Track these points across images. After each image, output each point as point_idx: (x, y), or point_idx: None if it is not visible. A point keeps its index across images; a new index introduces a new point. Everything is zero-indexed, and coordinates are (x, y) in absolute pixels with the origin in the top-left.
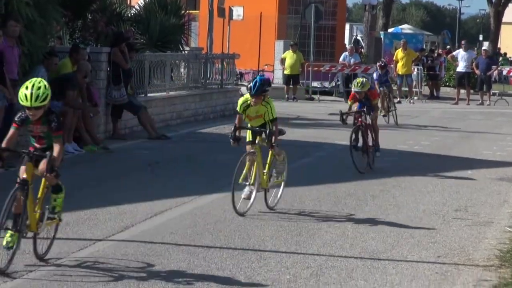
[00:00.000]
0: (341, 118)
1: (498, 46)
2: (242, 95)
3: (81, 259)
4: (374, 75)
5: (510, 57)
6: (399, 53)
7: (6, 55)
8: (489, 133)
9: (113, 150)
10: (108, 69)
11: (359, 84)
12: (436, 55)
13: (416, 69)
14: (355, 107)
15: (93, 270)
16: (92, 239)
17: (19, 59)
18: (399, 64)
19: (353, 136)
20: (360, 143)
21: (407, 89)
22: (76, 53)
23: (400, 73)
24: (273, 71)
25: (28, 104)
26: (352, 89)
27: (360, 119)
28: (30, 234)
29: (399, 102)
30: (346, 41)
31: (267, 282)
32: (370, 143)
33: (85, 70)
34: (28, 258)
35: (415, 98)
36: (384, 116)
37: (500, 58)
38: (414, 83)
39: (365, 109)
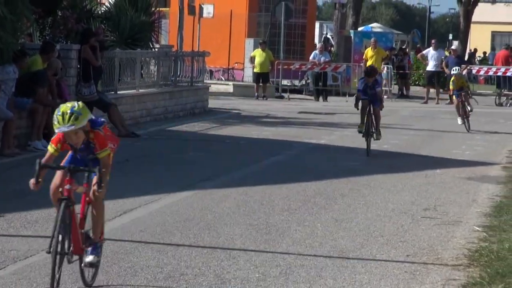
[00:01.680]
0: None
1: (469, 47)
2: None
3: (50, 256)
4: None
5: (479, 56)
6: (369, 52)
7: None
8: (458, 132)
9: None
10: (78, 66)
11: None
12: (403, 53)
13: (385, 68)
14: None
15: (62, 267)
16: None
17: None
18: (369, 63)
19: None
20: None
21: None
22: (48, 50)
23: None
24: (243, 69)
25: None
26: None
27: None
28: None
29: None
30: (316, 39)
31: (236, 280)
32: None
33: (55, 67)
34: None
35: (385, 97)
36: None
37: (479, 59)
38: (384, 82)
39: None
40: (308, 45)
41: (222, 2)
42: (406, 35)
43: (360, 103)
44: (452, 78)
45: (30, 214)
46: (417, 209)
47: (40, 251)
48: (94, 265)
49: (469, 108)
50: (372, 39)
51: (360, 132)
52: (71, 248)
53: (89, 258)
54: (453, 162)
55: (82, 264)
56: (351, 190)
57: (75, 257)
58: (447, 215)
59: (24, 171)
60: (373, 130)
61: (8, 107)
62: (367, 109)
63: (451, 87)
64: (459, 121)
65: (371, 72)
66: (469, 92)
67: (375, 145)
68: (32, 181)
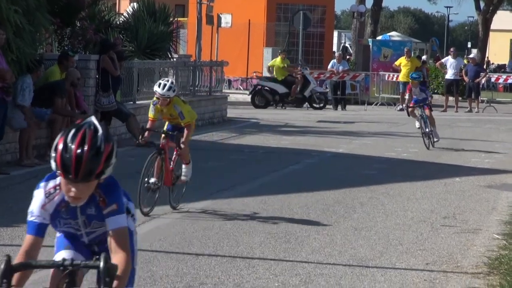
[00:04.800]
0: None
1: (487, 55)
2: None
3: None
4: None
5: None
6: (403, 61)
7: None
8: (477, 140)
9: None
10: (97, 76)
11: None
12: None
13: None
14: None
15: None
16: None
17: None
18: (403, 71)
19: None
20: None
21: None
22: (66, 60)
23: (403, 80)
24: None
25: None
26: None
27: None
28: None
29: (401, 109)
30: (335, 48)
31: None
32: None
33: (73, 78)
34: None
35: (404, 105)
36: None
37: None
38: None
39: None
40: (326, 54)
41: (240, 11)
42: (425, 43)
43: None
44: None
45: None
46: (437, 217)
47: None
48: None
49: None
50: (406, 49)
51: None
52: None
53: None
54: (473, 170)
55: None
56: (370, 199)
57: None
58: (466, 223)
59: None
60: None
61: (25, 117)
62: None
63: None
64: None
65: None
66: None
67: (394, 153)
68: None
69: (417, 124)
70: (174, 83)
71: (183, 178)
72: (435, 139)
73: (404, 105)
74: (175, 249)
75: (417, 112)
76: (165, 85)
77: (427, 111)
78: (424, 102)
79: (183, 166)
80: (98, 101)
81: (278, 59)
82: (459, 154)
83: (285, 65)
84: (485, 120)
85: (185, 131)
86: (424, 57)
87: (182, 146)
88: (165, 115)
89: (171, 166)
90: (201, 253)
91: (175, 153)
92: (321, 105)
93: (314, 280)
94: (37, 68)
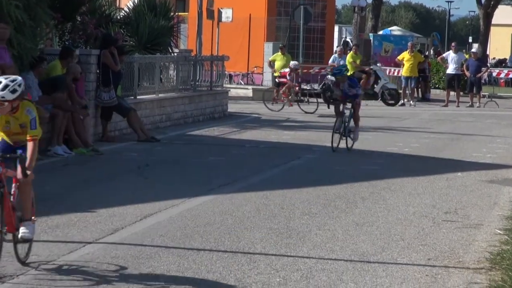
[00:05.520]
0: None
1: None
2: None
3: (70, 262)
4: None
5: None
6: (406, 55)
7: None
8: (479, 135)
9: (102, 152)
10: (98, 71)
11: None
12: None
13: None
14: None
15: (82, 273)
16: (82, 242)
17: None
18: (406, 66)
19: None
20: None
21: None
22: (68, 55)
23: (405, 75)
24: (262, 73)
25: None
26: None
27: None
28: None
29: (403, 104)
30: (335, 43)
31: (257, 284)
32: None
33: (74, 72)
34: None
35: (405, 100)
36: None
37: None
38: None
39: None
40: (327, 48)
41: (240, 6)
42: (426, 38)
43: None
44: None
45: (50, 219)
46: (438, 212)
47: (60, 256)
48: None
49: None
50: (409, 43)
51: None
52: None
53: (22, 232)
54: (474, 165)
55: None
56: (372, 194)
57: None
58: (468, 218)
59: (44, 176)
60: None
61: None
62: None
63: None
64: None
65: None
66: None
67: (395, 148)
68: None
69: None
70: (17, 80)
71: (23, 233)
72: (353, 142)
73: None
74: (176, 244)
75: (341, 107)
76: (6, 85)
77: (353, 108)
78: (355, 98)
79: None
80: (98, 96)
81: (351, 53)
82: (460, 149)
83: (357, 61)
84: (486, 115)
85: (30, 149)
86: (427, 52)
87: (28, 173)
88: (11, 128)
89: (10, 203)
90: (202, 248)
91: (14, 185)
92: (393, 101)
93: (316, 276)
94: (39, 64)
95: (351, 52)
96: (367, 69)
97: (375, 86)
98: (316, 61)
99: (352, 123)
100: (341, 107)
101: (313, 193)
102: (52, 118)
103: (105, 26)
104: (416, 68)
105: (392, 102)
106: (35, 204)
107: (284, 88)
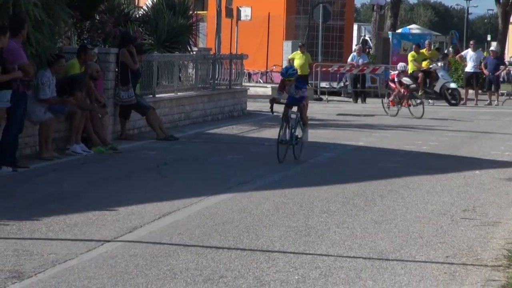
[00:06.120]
0: None
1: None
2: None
3: (89, 260)
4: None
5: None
6: (425, 53)
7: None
8: (497, 133)
9: (121, 151)
10: (116, 69)
11: None
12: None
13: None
14: None
15: (101, 271)
16: (100, 240)
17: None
18: (424, 63)
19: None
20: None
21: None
22: (84, 53)
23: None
24: None
25: None
26: None
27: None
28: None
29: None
30: (354, 41)
31: (275, 282)
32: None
33: (92, 70)
34: (36, 259)
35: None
36: None
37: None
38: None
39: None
40: (346, 47)
41: (259, 4)
42: (445, 36)
43: None
44: None
45: (68, 218)
46: (456, 210)
47: (79, 255)
48: None
49: None
50: (427, 41)
51: None
52: None
53: None
54: (492, 163)
55: None
56: (390, 192)
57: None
58: (486, 216)
59: (62, 175)
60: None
61: (45, 111)
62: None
63: None
64: None
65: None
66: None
67: (414, 146)
68: None
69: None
70: None
71: None
72: (301, 150)
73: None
74: (195, 243)
75: (288, 112)
76: None
77: (300, 111)
78: (300, 101)
79: None
80: (117, 95)
81: (412, 52)
82: (479, 147)
83: (420, 59)
84: (505, 113)
85: None
86: (446, 51)
87: None
88: None
89: None
90: (221, 246)
91: None
92: (454, 101)
93: (334, 273)
94: (56, 62)
95: (412, 51)
96: (425, 68)
97: (434, 85)
98: (335, 59)
99: (299, 130)
100: (288, 112)
101: (332, 191)
102: (70, 117)
103: (124, 25)
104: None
105: (454, 102)
106: None
107: (392, 97)
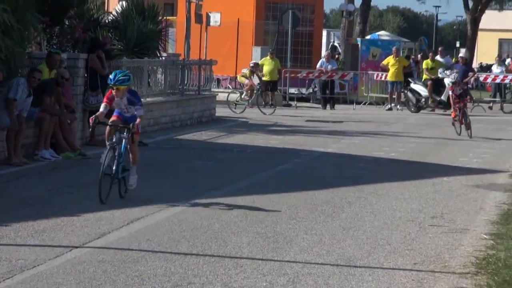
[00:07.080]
0: None
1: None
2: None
3: (57, 266)
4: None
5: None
6: (391, 60)
7: None
8: (465, 140)
9: (90, 157)
10: (85, 75)
11: None
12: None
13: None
14: None
15: (69, 277)
16: (69, 246)
17: None
18: (391, 71)
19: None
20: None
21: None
22: (49, 59)
23: (391, 79)
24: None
25: None
26: None
27: None
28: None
29: (390, 109)
30: (323, 47)
31: None
32: None
33: (58, 77)
34: (5, 265)
35: (392, 104)
36: None
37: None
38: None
39: None
40: (315, 53)
41: (229, 10)
42: (414, 42)
43: None
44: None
45: (37, 224)
46: (425, 217)
47: (47, 261)
48: None
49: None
50: (394, 48)
51: None
52: None
53: None
54: (460, 170)
55: None
56: (358, 198)
57: None
58: (454, 223)
59: (31, 180)
60: None
61: (8, 113)
62: None
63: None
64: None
65: None
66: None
67: (382, 153)
68: None
69: None
70: None
71: None
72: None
73: (399, 106)
74: (163, 249)
75: (116, 136)
76: None
77: (131, 137)
78: (131, 121)
79: None
80: (86, 100)
81: (427, 61)
82: (447, 154)
83: (433, 68)
84: (473, 120)
85: None
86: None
87: None
88: None
89: None
90: (189, 252)
91: None
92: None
93: (302, 280)
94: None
95: (428, 59)
96: (433, 77)
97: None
98: (304, 65)
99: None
100: (115, 136)
101: (300, 198)
102: (39, 122)
103: (93, 30)
104: (401, 73)
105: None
106: None
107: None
